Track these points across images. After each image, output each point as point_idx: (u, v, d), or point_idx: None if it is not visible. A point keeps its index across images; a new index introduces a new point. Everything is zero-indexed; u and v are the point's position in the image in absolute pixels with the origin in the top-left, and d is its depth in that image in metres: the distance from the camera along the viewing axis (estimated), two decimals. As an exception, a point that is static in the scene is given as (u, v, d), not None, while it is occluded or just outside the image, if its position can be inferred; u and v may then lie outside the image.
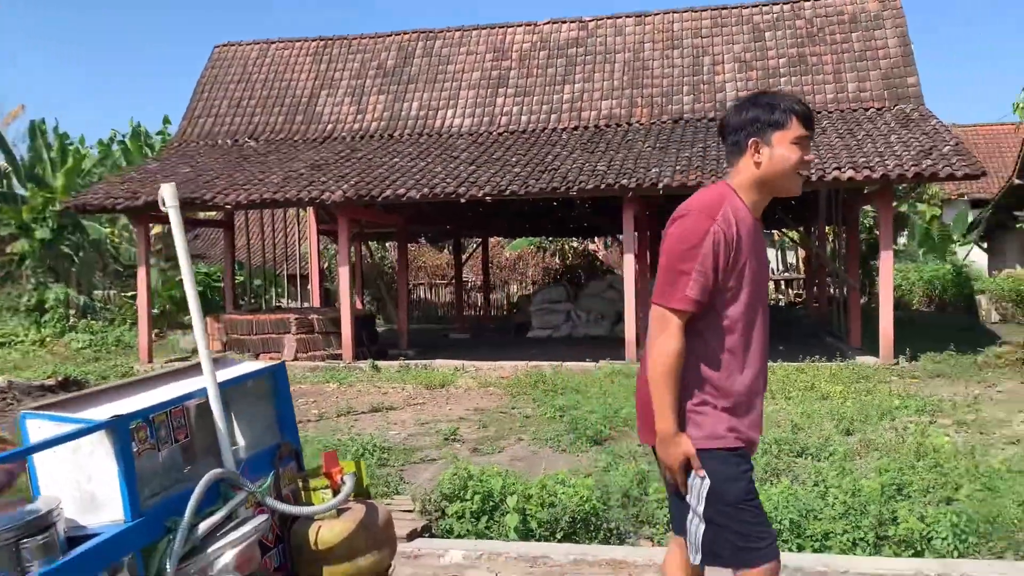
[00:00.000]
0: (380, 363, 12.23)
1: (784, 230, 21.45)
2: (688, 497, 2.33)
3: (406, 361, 12.37)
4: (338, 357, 12.85)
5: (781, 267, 27.36)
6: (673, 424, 2.29)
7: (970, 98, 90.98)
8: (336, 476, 2.35)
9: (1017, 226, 19.59)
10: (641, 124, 14.50)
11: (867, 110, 13.60)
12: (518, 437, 7.32)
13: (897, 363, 10.87)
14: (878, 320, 11.44)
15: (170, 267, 19.51)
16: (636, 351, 11.93)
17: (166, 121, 30.95)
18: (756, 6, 15.53)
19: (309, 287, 17.94)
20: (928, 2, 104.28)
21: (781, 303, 24.01)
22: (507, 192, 11.66)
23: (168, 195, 2.36)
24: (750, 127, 2.37)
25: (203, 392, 2.32)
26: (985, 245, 23.70)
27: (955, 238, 22.91)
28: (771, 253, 28.12)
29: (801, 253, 23.56)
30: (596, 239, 26.03)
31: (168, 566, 2.00)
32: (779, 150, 2.35)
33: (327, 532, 2.20)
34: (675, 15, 15.91)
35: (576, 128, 14.68)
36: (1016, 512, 4.35)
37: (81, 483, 2.07)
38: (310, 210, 16.64)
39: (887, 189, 11.35)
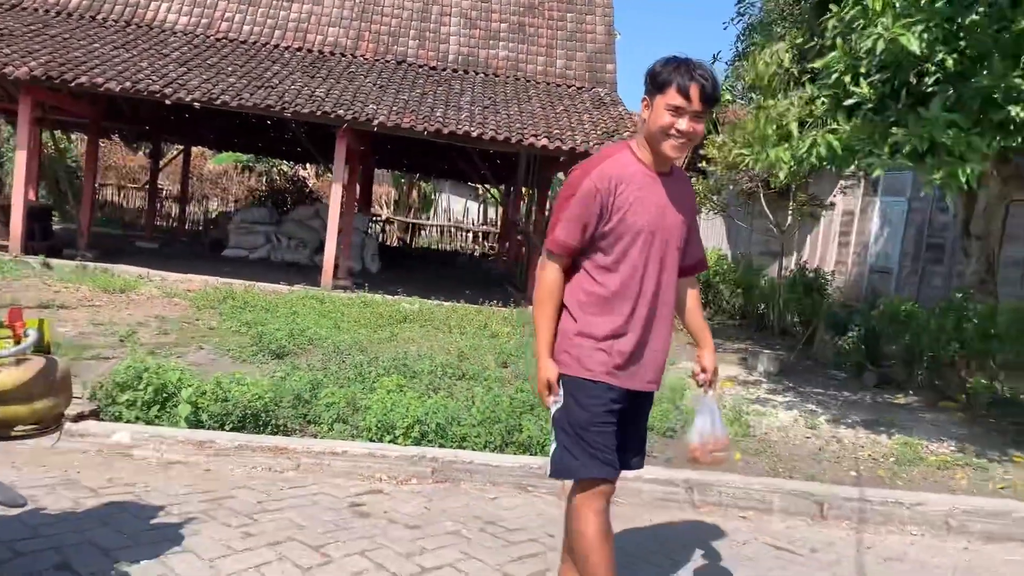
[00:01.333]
0: (53, 261, 11.40)
1: (487, 186, 22.79)
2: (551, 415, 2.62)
3: (83, 263, 11.65)
4: (3, 248, 11.76)
5: (480, 220, 28.97)
6: (544, 350, 2.58)
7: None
8: (19, 329, 2.52)
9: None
10: (366, 58, 14.69)
11: (569, 87, 14.96)
12: (199, 346, 7.39)
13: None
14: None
15: None
16: (332, 279, 12.29)
17: None
18: (488, -32, 16.27)
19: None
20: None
21: (476, 253, 25.52)
22: (218, 101, 11.34)
23: None
24: (647, 85, 2.57)
25: None
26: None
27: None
28: (473, 207, 29.68)
29: (500, 210, 25.16)
30: (308, 165, 25.74)
31: None
32: (656, 112, 2.52)
33: (5, 376, 2.39)
34: (412, -42, 16.20)
35: (300, 49, 14.52)
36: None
37: None
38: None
39: (573, 161, 12.68)
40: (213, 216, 21.92)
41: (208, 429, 4.68)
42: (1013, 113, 5.02)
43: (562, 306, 2.62)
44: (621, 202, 2.53)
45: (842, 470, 5.36)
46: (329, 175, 15.86)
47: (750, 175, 11.99)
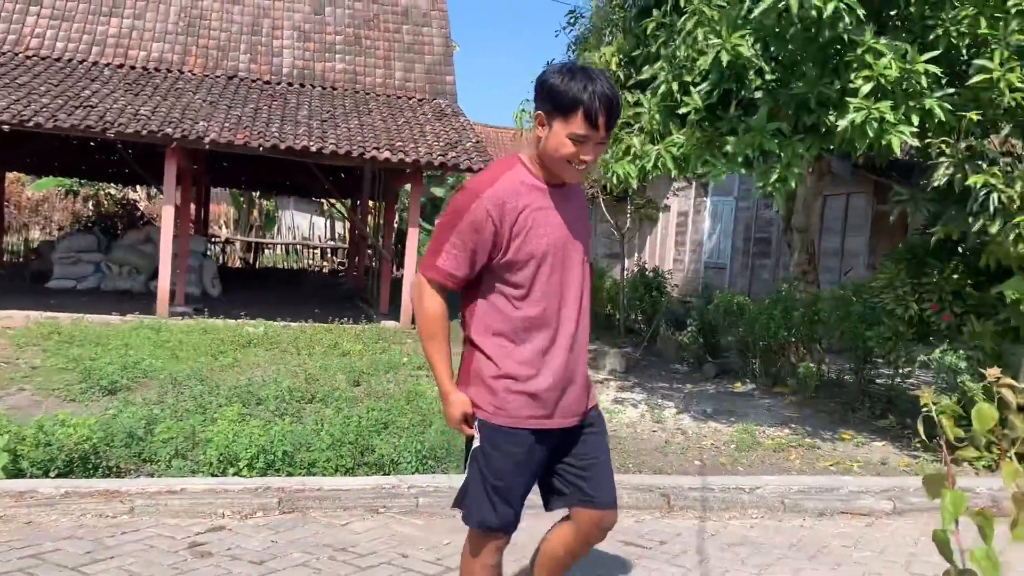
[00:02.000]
0: None
1: (333, 200, 22.36)
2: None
3: None
4: None
5: (328, 236, 28.40)
6: (446, 383, 2.35)
7: (501, 103, 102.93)
8: None
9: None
10: (194, 74, 14.08)
11: (410, 99, 14.91)
12: (20, 387, 6.85)
13: (414, 327, 12.20)
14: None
15: None
16: (168, 306, 11.68)
17: None
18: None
19: None
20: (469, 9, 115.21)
21: (325, 270, 24.97)
22: (30, 123, 10.54)
23: None
24: (542, 99, 2.25)
25: None
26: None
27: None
28: (320, 222, 29.05)
29: (348, 225, 24.76)
30: (138, 187, 24.39)
31: None
32: (555, 138, 2.23)
33: None
34: (239, -30, 15.69)
35: (121, 66, 13.73)
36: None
37: None
38: None
39: (418, 173, 12.64)
40: (35, 246, 20.33)
41: (30, 478, 4.32)
42: (829, 119, 5.40)
43: (469, 343, 2.38)
44: (519, 228, 2.25)
45: (687, 460, 5.58)
46: (161, 197, 15.04)
47: (589, 182, 12.35)
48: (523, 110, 9.45)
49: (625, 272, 12.80)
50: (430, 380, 7.90)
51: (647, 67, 6.65)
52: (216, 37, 14.73)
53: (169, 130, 10.98)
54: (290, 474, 4.66)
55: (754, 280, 13.18)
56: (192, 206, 17.45)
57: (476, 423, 2.34)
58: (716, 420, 6.90)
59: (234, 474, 4.57)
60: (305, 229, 28.72)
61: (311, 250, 26.45)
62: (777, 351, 8.50)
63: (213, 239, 22.41)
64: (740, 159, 5.75)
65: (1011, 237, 5.27)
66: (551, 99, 2.21)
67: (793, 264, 9.48)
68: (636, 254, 15.40)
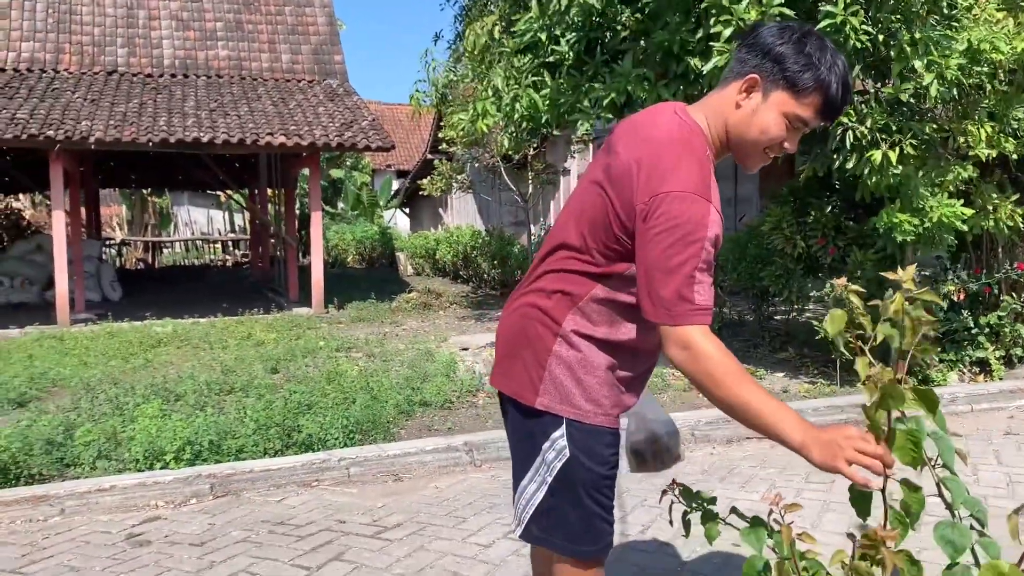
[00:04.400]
0: None
1: (230, 192, 21.88)
2: (533, 459, 1.85)
3: None
4: None
5: (228, 229, 27.76)
6: (793, 419, 1.58)
7: (397, 79, 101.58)
8: None
9: (420, 193, 22.96)
10: (70, 72, 13.54)
11: (299, 81, 14.71)
12: (-79, 409, 6.61)
13: (327, 312, 12.19)
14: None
15: None
16: (69, 314, 11.33)
17: None
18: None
19: None
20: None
21: (228, 263, 24.46)
22: None
23: None
24: (771, 62, 1.71)
25: None
26: (407, 210, 27.23)
27: (382, 203, 25.88)
28: (219, 216, 28.35)
29: (248, 215, 24.28)
30: (21, 196, 23.28)
31: None
32: (768, 114, 1.73)
33: None
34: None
35: (-11, 69, 13.09)
36: (392, 412, 5.57)
37: None
38: None
39: (315, 155, 12.54)
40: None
41: (-52, 495, 4.25)
42: (692, 64, 5.69)
43: (567, 333, 1.83)
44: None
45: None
46: (47, 203, 14.34)
47: (490, 152, 12.50)
48: (418, 89, 9.51)
49: (532, 238, 13.04)
50: (351, 361, 7.98)
51: (520, 21, 6.80)
52: (90, 32, 14.17)
53: (51, 132, 10.59)
54: (218, 462, 4.71)
55: (655, 234, 13.65)
56: (83, 209, 16.84)
57: (563, 426, 1.82)
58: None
59: (161, 468, 4.59)
60: (203, 224, 27.98)
61: (212, 244, 25.85)
62: (681, 298, 8.87)
63: (108, 242, 21.66)
64: (607, 104, 5.99)
65: (866, 171, 5.69)
66: (782, 69, 1.70)
67: (689, 215, 9.87)
68: (541, 219, 15.67)
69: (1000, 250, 7.01)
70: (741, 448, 4.86)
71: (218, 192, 24.95)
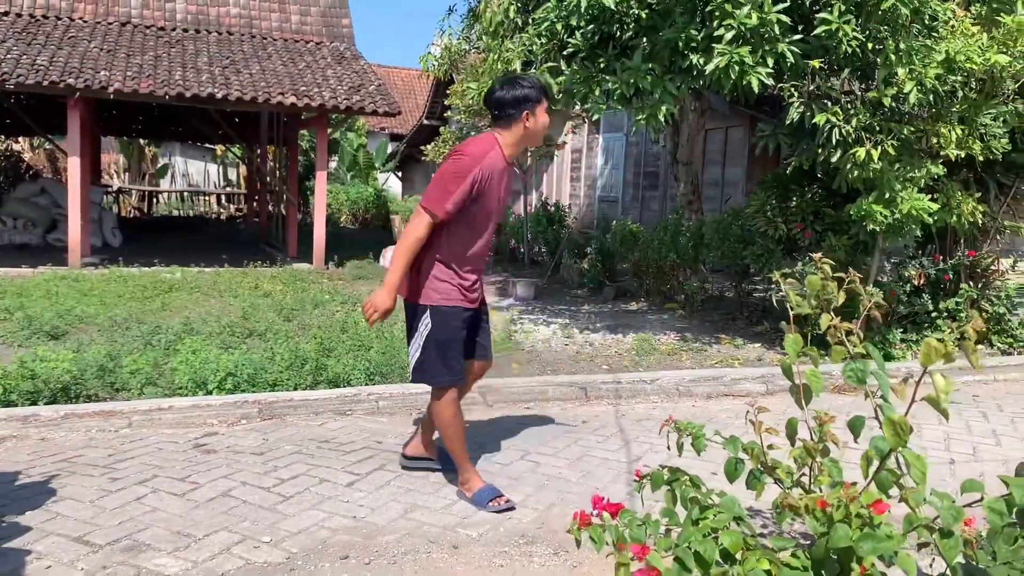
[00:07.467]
0: None
1: (228, 146, 22.17)
2: (415, 334, 3.44)
3: None
4: None
5: (223, 182, 28.01)
6: (397, 281, 3.32)
7: (390, 42, 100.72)
8: None
9: (422, 159, 23.37)
10: (85, 21, 13.83)
11: (308, 43, 15.08)
12: (-40, 338, 7.10)
13: (327, 268, 12.71)
14: (312, 233, 13.17)
15: None
16: (80, 257, 11.78)
17: None
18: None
19: None
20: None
21: (223, 217, 24.78)
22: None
23: None
24: (524, 104, 3.39)
25: None
26: (400, 174, 27.60)
27: (377, 166, 26.25)
28: (213, 169, 28.56)
29: (243, 170, 24.54)
30: (21, 138, 23.44)
31: None
32: (541, 118, 3.44)
33: None
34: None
35: (7, 14, 13.36)
36: (406, 358, 6.15)
37: None
38: None
39: (323, 117, 12.98)
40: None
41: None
42: (694, 60, 6.25)
43: (434, 257, 3.40)
44: (490, 187, 3.37)
45: (596, 365, 6.49)
46: (46, 147, 14.66)
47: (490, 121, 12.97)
48: (430, 53, 9.98)
49: (528, 208, 13.60)
50: (358, 314, 8.53)
51: (539, 9, 7.30)
52: (105, -19, 14.43)
53: (71, 80, 10.97)
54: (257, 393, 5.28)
55: (644, 211, 14.21)
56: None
57: (428, 310, 3.41)
58: (616, 333, 7.85)
59: (205, 394, 5.16)
60: (197, 176, 28.21)
61: (206, 197, 26.12)
62: (667, 272, 9.51)
63: (107, 189, 21.94)
64: (617, 95, 6.56)
65: (848, 166, 6.31)
66: (532, 97, 3.43)
67: (679, 195, 10.48)
68: (536, 190, 16.21)
69: (962, 243, 7.69)
70: (719, 403, 5.51)
71: (213, 146, 25.20)
